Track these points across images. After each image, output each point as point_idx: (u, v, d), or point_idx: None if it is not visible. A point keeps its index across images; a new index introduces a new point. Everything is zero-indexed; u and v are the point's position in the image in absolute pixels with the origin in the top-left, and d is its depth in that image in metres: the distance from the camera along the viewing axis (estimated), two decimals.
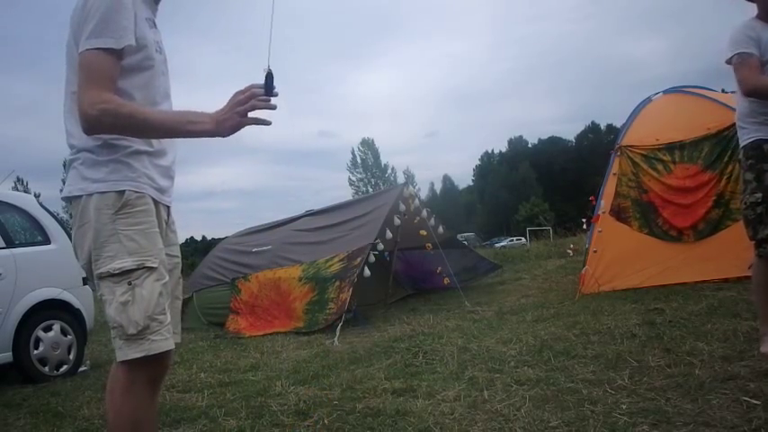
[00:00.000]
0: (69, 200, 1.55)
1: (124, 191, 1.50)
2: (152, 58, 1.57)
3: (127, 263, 1.47)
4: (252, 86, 1.52)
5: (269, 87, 1.51)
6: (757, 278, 2.68)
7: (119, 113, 1.43)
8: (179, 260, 1.78)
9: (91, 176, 1.50)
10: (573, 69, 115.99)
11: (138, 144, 1.54)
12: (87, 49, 1.43)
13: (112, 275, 1.46)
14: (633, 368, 2.70)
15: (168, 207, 1.70)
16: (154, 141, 1.58)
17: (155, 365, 1.52)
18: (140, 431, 1.51)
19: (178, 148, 1.75)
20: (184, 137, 1.55)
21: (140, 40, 1.52)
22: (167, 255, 1.64)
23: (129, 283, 1.46)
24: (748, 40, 2.63)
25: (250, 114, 1.51)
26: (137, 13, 1.52)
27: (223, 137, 1.52)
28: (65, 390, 3.78)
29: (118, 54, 1.46)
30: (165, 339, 1.49)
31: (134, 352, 1.46)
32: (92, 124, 1.43)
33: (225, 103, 1.52)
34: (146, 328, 1.46)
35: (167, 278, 1.56)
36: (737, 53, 2.63)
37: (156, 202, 1.59)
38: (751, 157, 2.65)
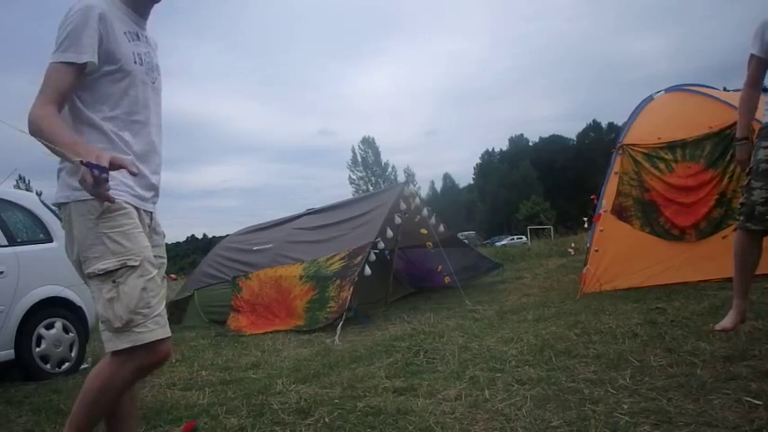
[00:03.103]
0: (59, 206, 1.70)
1: None
2: (125, 70, 1.69)
3: (110, 263, 1.60)
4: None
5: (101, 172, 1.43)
6: (735, 248, 2.76)
7: (43, 128, 1.53)
8: (164, 260, 1.92)
9: (75, 185, 1.62)
10: (574, 67, 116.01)
11: (112, 152, 1.63)
12: (51, 63, 1.60)
13: (98, 275, 1.61)
14: (635, 368, 2.70)
15: (151, 213, 1.82)
16: (131, 153, 1.70)
17: (144, 354, 1.62)
18: (104, 401, 1.63)
19: (161, 156, 1.86)
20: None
21: (112, 55, 1.65)
22: (153, 255, 1.75)
23: (114, 282, 1.60)
24: (754, 37, 2.76)
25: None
26: (112, 29, 1.65)
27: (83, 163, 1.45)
28: (66, 387, 3.78)
29: (78, 68, 1.59)
30: (149, 331, 1.61)
31: (122, 343, 1.60)
32: (29, 128, 1.57)
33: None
34: (129, 322, 1.59)
35: (154, 272, 1.68)
36: (750, 52, 2.83)
37: (136, 208, 1.71)
38: (761, 137, 2.77)
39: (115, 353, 1.61)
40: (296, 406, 2.72)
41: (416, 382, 2.90)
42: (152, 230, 1.83)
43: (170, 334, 1.68)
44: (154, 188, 1.82)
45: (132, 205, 1.69)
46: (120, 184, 1.66)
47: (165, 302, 1.73)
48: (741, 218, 2.70)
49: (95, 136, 1.65)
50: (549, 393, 2.49)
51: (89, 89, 1.65)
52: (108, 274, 1.60)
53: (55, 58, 1.59)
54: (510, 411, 2.32)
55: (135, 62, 1.71)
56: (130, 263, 1.61)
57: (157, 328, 1.62)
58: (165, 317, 1.68)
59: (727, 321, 2.69)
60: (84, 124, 1.65)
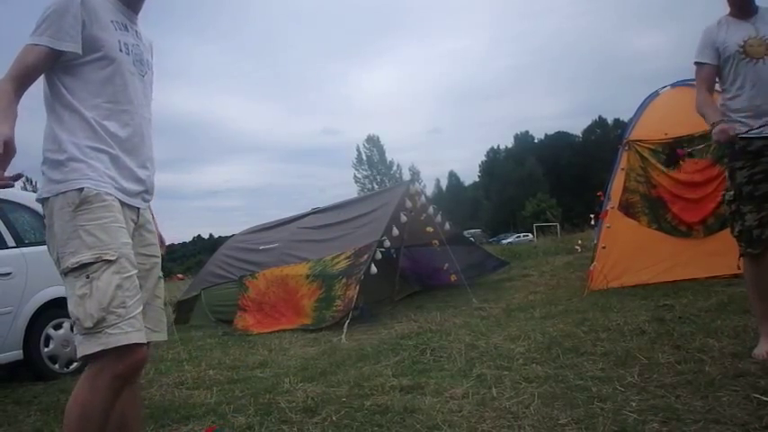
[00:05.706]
0: (42, 202, 1.61)
1: (83, 188, 1.54)
2: (110, 57, 1.63)
3: (85, 257, 1.50)
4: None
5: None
6: (746, 276, 2.73)
7: None
8: (157, 260, 1.81)
9: (55, 178, 1.56)
10: (579, 64, 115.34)
11: (94, 142, 1.59)
12: (26, 44, 1.54)
13: (73, 270, 1.51)
14: (643, 365, 2.68)
15: (138, 209, 1.72)
16: (115, 144, 1.63)
17: (119, 360, 1.49)
18: (92, 423, 1.50)
19: (152, 151, 1.78)
20: None
21: (96, 41, 1.60)
22: (143, 254, 1.70)
23: (87, 277, 1.50)
24: (704, 46, 2.78)
25: None
26: (97, 16, 1.61)
27: None
28: (74, 387, 3.81)
29: (53, 53, 1.55)
30: (123, 333, 1.48)
31: (93, 346, 1.47)
32: None
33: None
34: (101, 321, 1.46)
35: (132, 271, 1.57)
36: (694, 62, 2.78)
37: (121, 203, 1.63)
38: (726, 155, 2.77)
39: (88, 366, 1.51)
40: (303, 404, 2.72)
41: (423, 381, 2.90)
42: (141, 228, 1.74)
43: (146, 340, 1.56)
44: (142, 183, 1.71)
45: (117, 198, 1.60)
46: (102, 176, 1.57)
47: (142, 305, 1.59)
48: (742, 245, 2.67)
49: (77, 123, 1.58)
50: (556, 391, 2.48)
51: (73, 75, 1.60)
52: (82, 268, 1.49)
53: (30, 39, 1.53)
54: (517, 409, 2.31)
55: (120, 50, 1.65)
56: (106, 257, 1.50)
57: (132, 331, 1.49)
58: (142, 320, 1.55)
59: (762, 350, 2.63)
60: (66, 110, 1.59)
